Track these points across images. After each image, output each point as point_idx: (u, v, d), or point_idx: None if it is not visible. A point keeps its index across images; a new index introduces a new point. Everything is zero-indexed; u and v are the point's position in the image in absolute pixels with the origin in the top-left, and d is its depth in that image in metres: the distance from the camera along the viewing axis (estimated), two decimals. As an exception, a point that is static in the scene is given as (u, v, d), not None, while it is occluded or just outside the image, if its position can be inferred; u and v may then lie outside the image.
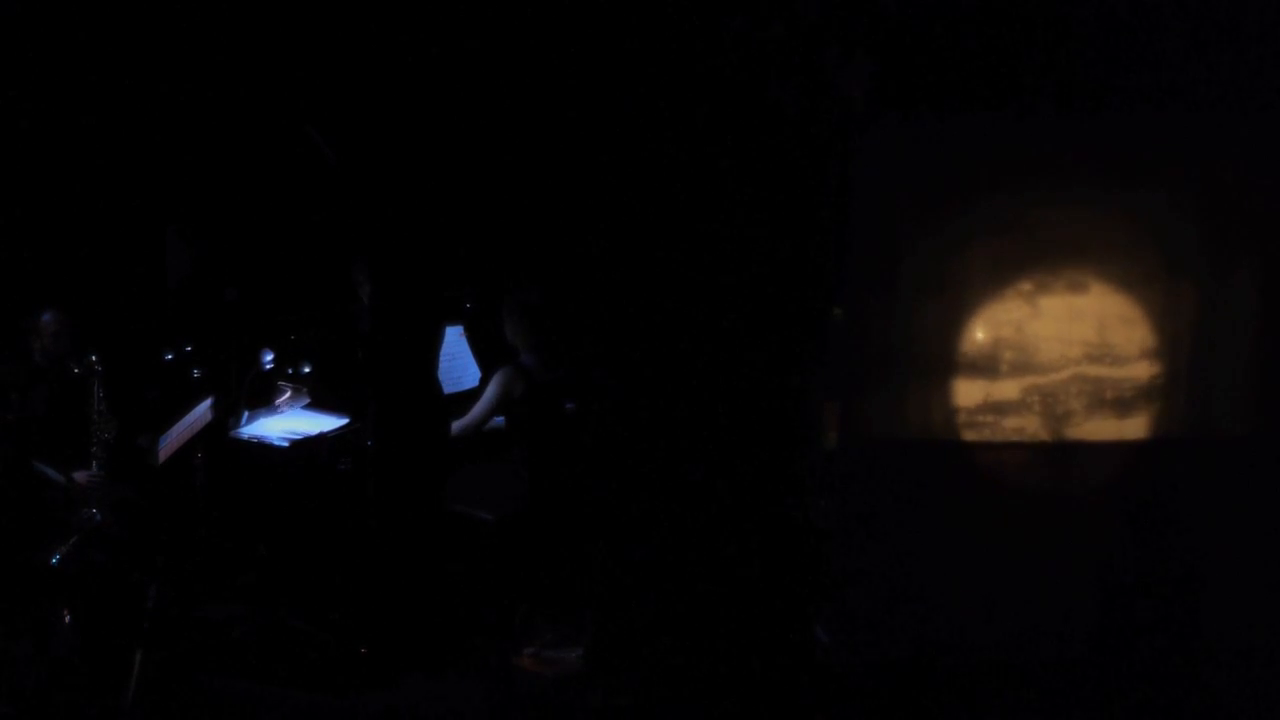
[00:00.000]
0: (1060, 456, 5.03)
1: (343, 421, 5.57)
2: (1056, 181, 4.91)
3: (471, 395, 5.80)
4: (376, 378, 5.36)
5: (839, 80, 4.85)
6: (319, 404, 5.76)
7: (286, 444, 5.37)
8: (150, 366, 6.08)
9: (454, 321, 6.21)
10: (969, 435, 5.02)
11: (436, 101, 6.07)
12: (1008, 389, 5.00)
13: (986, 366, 4.97)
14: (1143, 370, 4.95)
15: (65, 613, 5.07)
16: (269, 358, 5.62)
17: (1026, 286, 4.95)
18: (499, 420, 5.65)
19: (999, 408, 5.01)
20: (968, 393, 5.01)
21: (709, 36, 4.90)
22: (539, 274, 6.11)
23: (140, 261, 6.41)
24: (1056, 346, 4.97)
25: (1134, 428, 5.00)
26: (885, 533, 4.98)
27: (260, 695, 4.90)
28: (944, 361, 4.98)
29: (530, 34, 5.51)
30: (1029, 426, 5.02)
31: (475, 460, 5.73)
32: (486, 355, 6.16)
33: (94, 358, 5.45)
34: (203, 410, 5.42)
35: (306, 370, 5.84)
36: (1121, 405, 4.98)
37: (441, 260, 5.65)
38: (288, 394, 5.70)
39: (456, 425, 5.55)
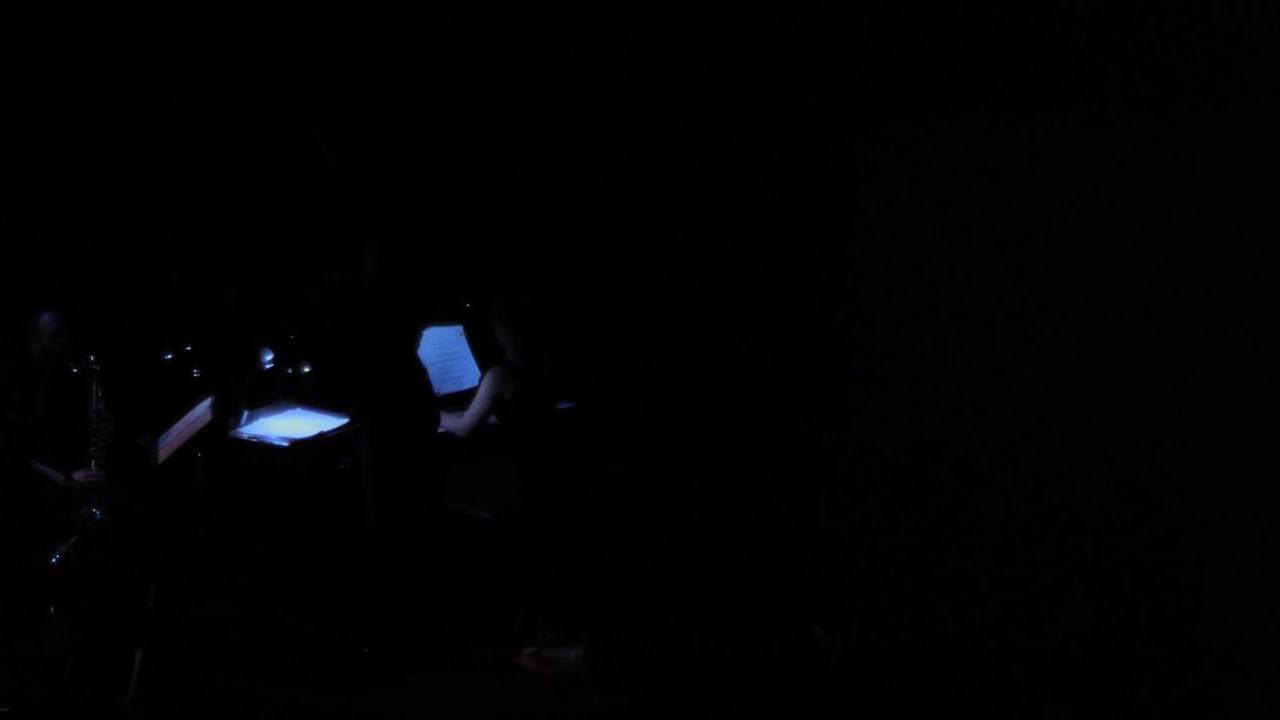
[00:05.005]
0: (1060, 455, 5.03)
1: (343, 421, 5.57)
2: (1057, 181, 4.91)
3: (472, 395, 5.81)
4: (366, 371, 5.38)
5: (839, 80, 4.86)
6: (319, 404, 5.76)
7: (286, 444, 5.37)
8: (150, 366, 6.08)
9: (454, 321, 6.21)
10: (968, 435, 5.02)
11: (436, 104, 6.08)
12: (1007, 388, 5.00)
13: (986, 366, 4.98)
14: (1144, 371, 4.95)
15: (64, 612, 5.07)
16: (269, 358, 5.62)
17: (1027, 287, 4.96)
18: (496, 419, 5.66)
19: (998, 407, 5.01)
20: (967, 392, 5.01)
21: (705, 37, 4.91)
22: (532, 275, 6.12)
23: (140, 261, 6.41)
24: (1056, 345, 4.98)
25: (1135, 427, 5.01)
26: (885, 532, 4.99)
27: (260, 695, 4.90)
28: (944, 361, 4.99)
29: (524, 38, 5.52)
30: (1028, 425, 5.02)
31: (474, 459, 5.73)
32: (486, 355, 6.17)
33: (92, 358, 5.45)
34: (203, 410, 5.42)
35: (306, 370, 5.84)
36: (1123, 405, 4.98)
37: (436, 257, 5.67)
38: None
39: (454, 425, 5.55)
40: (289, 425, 5.55)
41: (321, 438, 5.46)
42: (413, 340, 5.63)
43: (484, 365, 6.16)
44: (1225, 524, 4.96)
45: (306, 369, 5.82)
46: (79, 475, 5.41)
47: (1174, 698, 4.79)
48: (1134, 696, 4.82)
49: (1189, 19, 4.76)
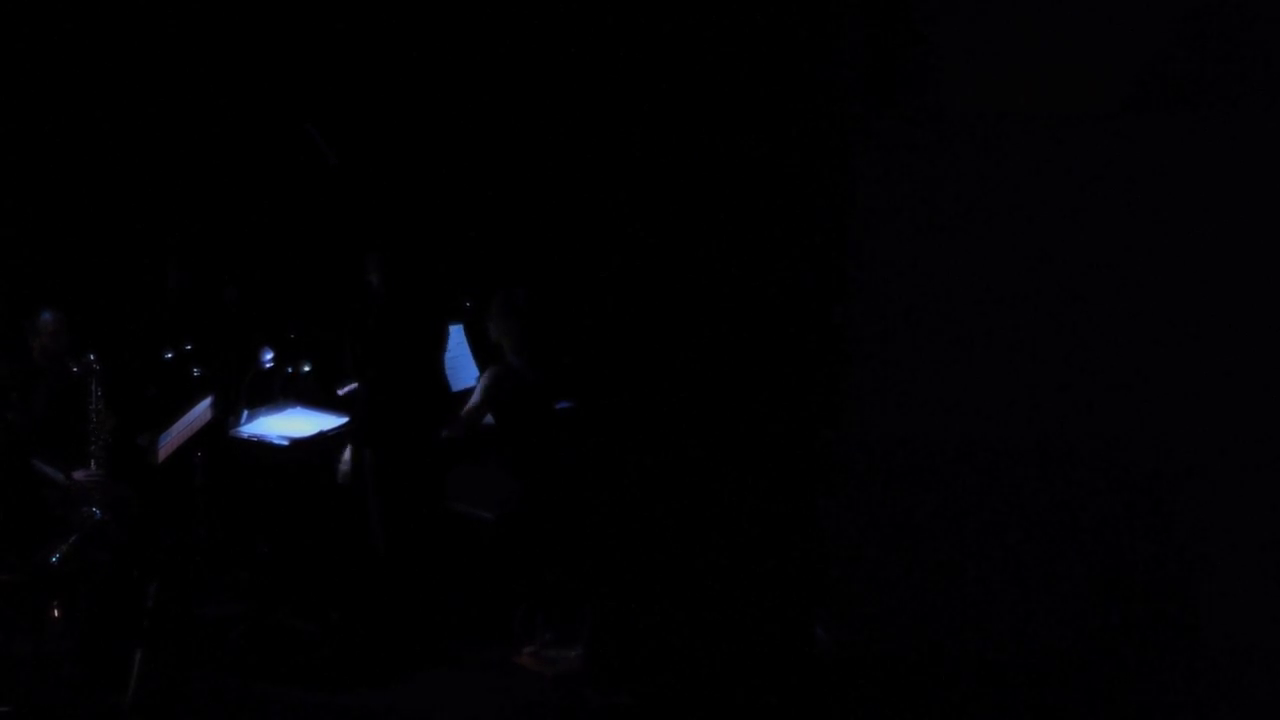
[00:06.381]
0: (1059, 455, 5.03)
1: (342, 421, 5.56)
2: (1057, 182, 4.91)
3: (469, 394, 5.81)
4: (379, 371, 5.37)
5: (840, 81, 4.86)
6: (319, 404, 5.76)
7: (286, 443, 5.37)
8: (150, 365, 6.08)
9: (456, 320, 6.21)
10: (968, 434, 5.02)
11: (434, 102, 6.07)
12: (1007, 387, 5.00)
13: (986, 365, 4.98)
14: (1142, 369, 4.95)
15: (63, 611, 5.07)
16: (269, 357, 5.62)
17: (1027, 286, 4.96)
18: (492, 419, 5.66)
19: (999, 406, 5.01)
20: (967, 392, 5.01)
21: (706, 38, 4.91)
22: (531, 274, 6.12)
23: (140, 261, 6.41)
24: (1056, 344, 4.98)
25: (1135, 426, 5.01)
26: (887, 532, 4.98)
27: (260, 695, 4.90)
28: (943, 360, 4.99)
29: (525, 36, 5.51)
30: (1028, 424, 5.02)
31: (473, 459, 5.73)
32: (485, 354, 6.17)
33: (92, 357, 5.45)
34: (202, 410, 5.42)
35: (306, 369, 5.83)
36: (1124, 404, 4.98)
37: (443, 257, 5.66)
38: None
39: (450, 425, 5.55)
40: (289, 424, 5.55)
41: (321, 437, 5.46)
42: (429, 340, 5.56)
43: (483, 364, 6.16)
44: (1225, 524, 4.96)
45: (306, 369, 5.83)
46: (79, 474, 5.41)
47: (1174, 698, 4.79)
48: (1135, 697, 4.82)
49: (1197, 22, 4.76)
